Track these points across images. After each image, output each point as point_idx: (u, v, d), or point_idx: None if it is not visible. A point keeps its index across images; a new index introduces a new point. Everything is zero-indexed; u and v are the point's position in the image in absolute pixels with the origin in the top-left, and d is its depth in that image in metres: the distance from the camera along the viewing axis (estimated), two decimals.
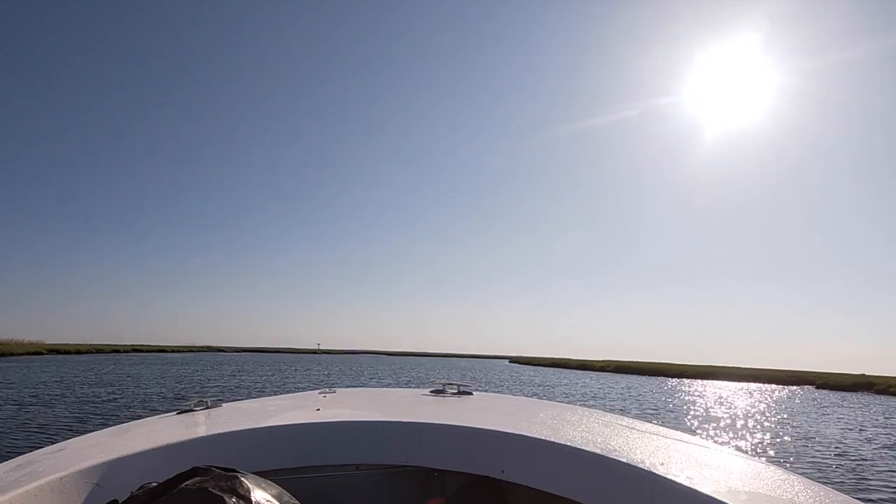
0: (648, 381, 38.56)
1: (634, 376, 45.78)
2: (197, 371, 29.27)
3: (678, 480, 1.04)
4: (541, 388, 24.84)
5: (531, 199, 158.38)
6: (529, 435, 1.26)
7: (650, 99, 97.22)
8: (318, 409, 1.53)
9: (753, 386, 36.42)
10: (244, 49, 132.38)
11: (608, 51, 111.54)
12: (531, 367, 60.29)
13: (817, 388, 35.68)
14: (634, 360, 65.60)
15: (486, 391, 2.14)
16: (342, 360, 73.36)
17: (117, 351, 67.87)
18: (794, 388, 35.51)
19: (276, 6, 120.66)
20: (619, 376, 44.40)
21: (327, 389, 2.00)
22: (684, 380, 42.32)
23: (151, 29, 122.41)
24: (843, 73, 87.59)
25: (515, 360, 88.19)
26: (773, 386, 37.48)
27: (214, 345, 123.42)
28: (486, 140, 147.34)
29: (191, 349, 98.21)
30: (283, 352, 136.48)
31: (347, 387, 2.56)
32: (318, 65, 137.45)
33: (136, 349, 77.44)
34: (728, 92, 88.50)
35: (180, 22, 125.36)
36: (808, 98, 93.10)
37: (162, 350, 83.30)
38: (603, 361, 63.01)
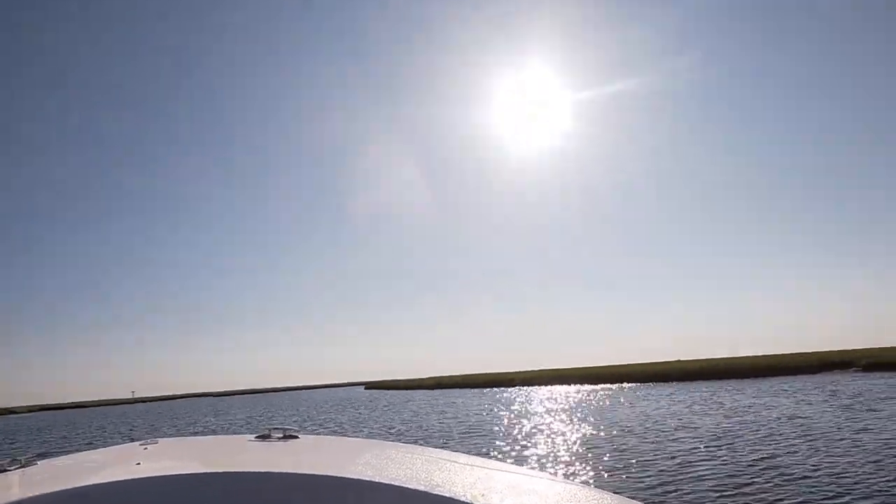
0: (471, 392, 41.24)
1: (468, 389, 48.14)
2: None
3: None
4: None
5: (350, 219, 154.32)
6: (355, 477, 1.26)
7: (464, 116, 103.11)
8: (139, 464, 1.44)
9: (574, 387, 40.03)
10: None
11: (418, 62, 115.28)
12: (389, 392, 58.70)
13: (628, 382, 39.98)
14: (469, 373, 69.53)
15: (312, 433, 2.13)
16: (162, 407, 66.48)
17: None
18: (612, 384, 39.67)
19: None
20: (454, 391, 46.55)
21: (148, 440, 1.90)
22: (522, 387, 45.00)
23: None
24: (632, 99, 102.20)
25: (371, 385, 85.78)
26: (591, 385, 41.12)
27: None
28: (308, 158, 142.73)
29: None
30: (86, 406, 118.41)
31: (170, 436, 2.39)
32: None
33: None
34: (531, 115, 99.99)
35: None
36: (602, 121, 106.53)
37: None
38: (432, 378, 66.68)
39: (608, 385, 38.64)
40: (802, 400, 17.33)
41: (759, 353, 48.29)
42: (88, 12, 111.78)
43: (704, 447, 9.80)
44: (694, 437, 11.06)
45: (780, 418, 13.12)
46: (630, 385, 36.37)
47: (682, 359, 53.51)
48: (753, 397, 19.58)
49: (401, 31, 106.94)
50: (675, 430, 12.46)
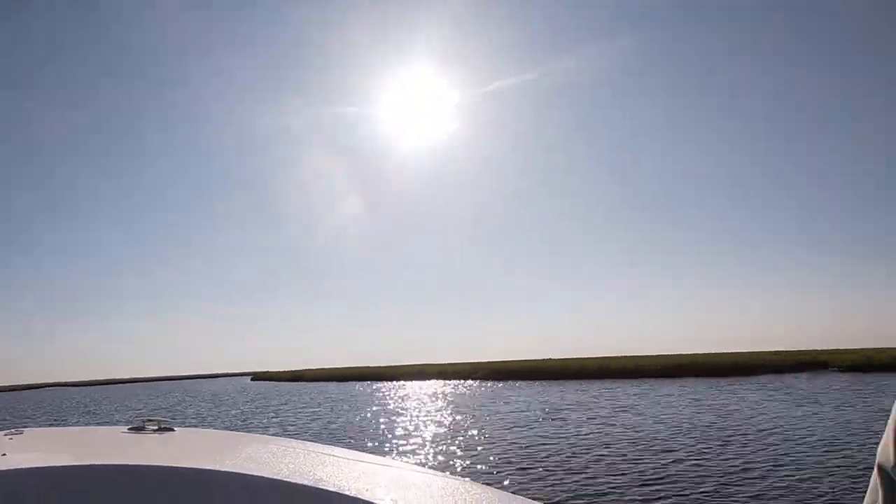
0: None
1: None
2: None
3: None
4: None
5: (234, 201, 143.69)
6: (235, 471, 1.22)
7: (344, 106, 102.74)
8: (5, 454, 1.36)
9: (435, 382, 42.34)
10: None
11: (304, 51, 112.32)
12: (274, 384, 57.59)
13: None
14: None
15: (189, 426, 2.05)
16: (22, 397, 61.33)
17: None
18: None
19: None
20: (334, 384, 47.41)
21: (14, 430, 1.78)
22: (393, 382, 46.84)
23: None
24: (509, 97, 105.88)
25: (258, 376, 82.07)
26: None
27: None
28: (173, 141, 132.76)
29: None
30: None
31: (38, 426, 2.38)
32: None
33: None
34: (417, 111, 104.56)
35: None
36: (482, 117, 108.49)
37: None
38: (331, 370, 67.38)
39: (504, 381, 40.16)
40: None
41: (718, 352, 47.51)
42: None
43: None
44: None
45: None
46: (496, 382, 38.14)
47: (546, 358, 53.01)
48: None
49: (291, 33, 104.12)
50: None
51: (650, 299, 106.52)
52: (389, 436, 13.30)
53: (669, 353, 48.64)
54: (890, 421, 0.71)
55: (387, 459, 1.76)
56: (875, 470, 0.71)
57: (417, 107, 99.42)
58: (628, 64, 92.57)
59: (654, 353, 50.34)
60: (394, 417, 17.65)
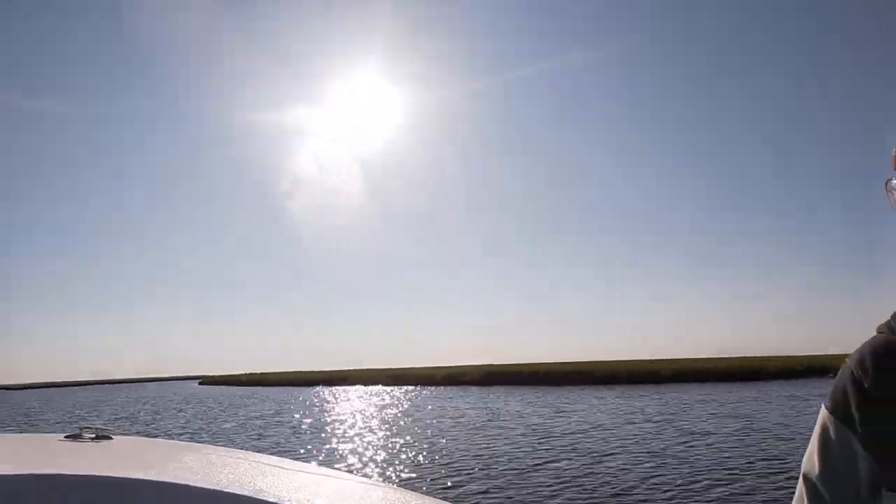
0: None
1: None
2: None
3: None
4: None
5: (172, 203, 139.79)
6: (174, 481, 1.18)
7: (298, 107, 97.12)
8: None
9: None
10: None
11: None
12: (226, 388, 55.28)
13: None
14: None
15: (128, 434, 2.01)
16: None
17: None
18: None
19: None
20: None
21: None
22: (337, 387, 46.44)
23: None
24: (460, 101, 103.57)
25: (207, 380, 78.29)
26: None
27: None
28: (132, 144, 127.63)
29: None
30: None
31: None
32: None
33: None
34: (364, 112, 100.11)
35: None
36: (426, 121, 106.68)
37: None
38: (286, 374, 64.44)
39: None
40: None
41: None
42: None
43: None
44: None
45: None
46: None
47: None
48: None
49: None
50: None
51: (611, 311, 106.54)
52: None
53: (661, 359, 45.96)
54: (815, 431, 0.73)
55: (330, 470, 1.68)
56: (801, 479, 0.74)
57: (364, 110, 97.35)
58: (583, 72, 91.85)
59: (610, 360, 46.96)
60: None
